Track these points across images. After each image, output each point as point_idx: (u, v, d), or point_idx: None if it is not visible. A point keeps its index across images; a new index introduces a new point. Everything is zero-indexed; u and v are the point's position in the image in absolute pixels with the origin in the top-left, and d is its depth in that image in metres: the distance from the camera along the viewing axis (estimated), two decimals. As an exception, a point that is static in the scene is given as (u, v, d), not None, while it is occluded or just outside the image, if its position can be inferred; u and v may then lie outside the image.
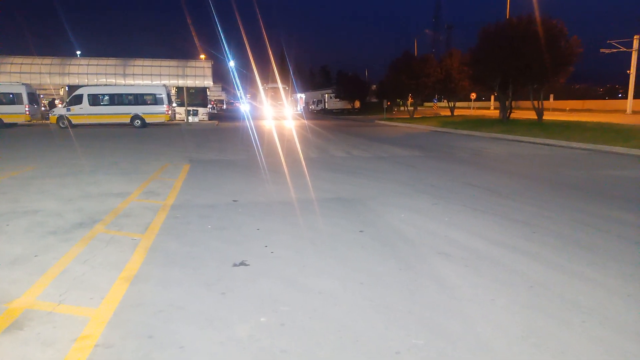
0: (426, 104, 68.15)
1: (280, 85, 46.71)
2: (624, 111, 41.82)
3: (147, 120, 27.97)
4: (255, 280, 4.12)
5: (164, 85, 29.59)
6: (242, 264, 4.53)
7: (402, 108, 54.53)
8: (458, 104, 45.82)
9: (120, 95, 28.25)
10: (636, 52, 40.25)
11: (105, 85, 31.15)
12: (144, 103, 28.13)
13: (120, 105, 27.81)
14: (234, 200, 7.39)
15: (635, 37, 40.08)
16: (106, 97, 27.89)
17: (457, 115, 38.33)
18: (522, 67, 22.78)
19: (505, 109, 26.93)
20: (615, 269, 4.35)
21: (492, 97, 56.64)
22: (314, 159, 12.94)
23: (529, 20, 23.27)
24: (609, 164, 11.74)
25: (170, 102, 29.33)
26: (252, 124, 29.24)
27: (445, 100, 43.81)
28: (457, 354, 2.93)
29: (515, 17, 24.52)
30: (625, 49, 40.57)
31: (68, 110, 26.99)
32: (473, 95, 43.62)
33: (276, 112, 44.86)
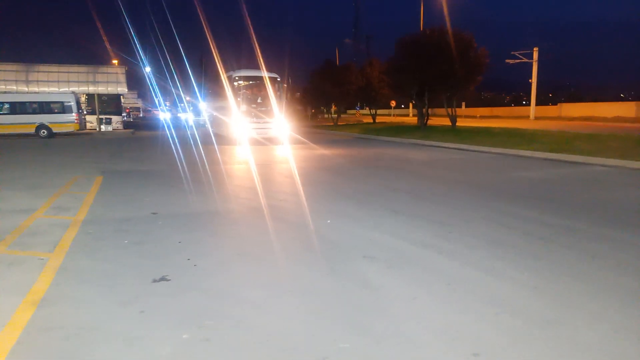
0: (349, 111, 69.89)
1: (266, 74, 21.46)
2: (528, 117, 45.72)
3: (55, 130, 26.02)
4: (177, 295, 3.95)
5: (73, 93, 27.70)
6: (163, 279, 4.32)
7: (326, 115, 55.46)
8: (379, 111, 47.44)
9: (23, 103, 26.09)
10: (536, 63, 44.18)
11: (5, 92, 28.60)
12: (51, 112, 26.16)
13: (24, 115, 25.64)
14: (153, 213, 7.05)
15: (535, 49, 44.05)
16: (6, 106, 25.59)
17: (379, 122, 39.68)
18: (436, 75, 24.10)
19: (422, 116, 28.29)
20: (522, 263, 4.69)
21: (411, 105, 59.38)
22: (236, 167, 12.74)
23: (441, 32, 24.72)
24: (516, 166, 12.71)
25: (79, 110, 27.53)
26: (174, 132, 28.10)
27: (367, 108, 45.18)
28: (382, 353, 2.99)
29: (428, 29, 25.95)
30: (527, 60, 44.43)
31: None
32: (393, 103, 45.48)
33: (259, 128, 20.99)
